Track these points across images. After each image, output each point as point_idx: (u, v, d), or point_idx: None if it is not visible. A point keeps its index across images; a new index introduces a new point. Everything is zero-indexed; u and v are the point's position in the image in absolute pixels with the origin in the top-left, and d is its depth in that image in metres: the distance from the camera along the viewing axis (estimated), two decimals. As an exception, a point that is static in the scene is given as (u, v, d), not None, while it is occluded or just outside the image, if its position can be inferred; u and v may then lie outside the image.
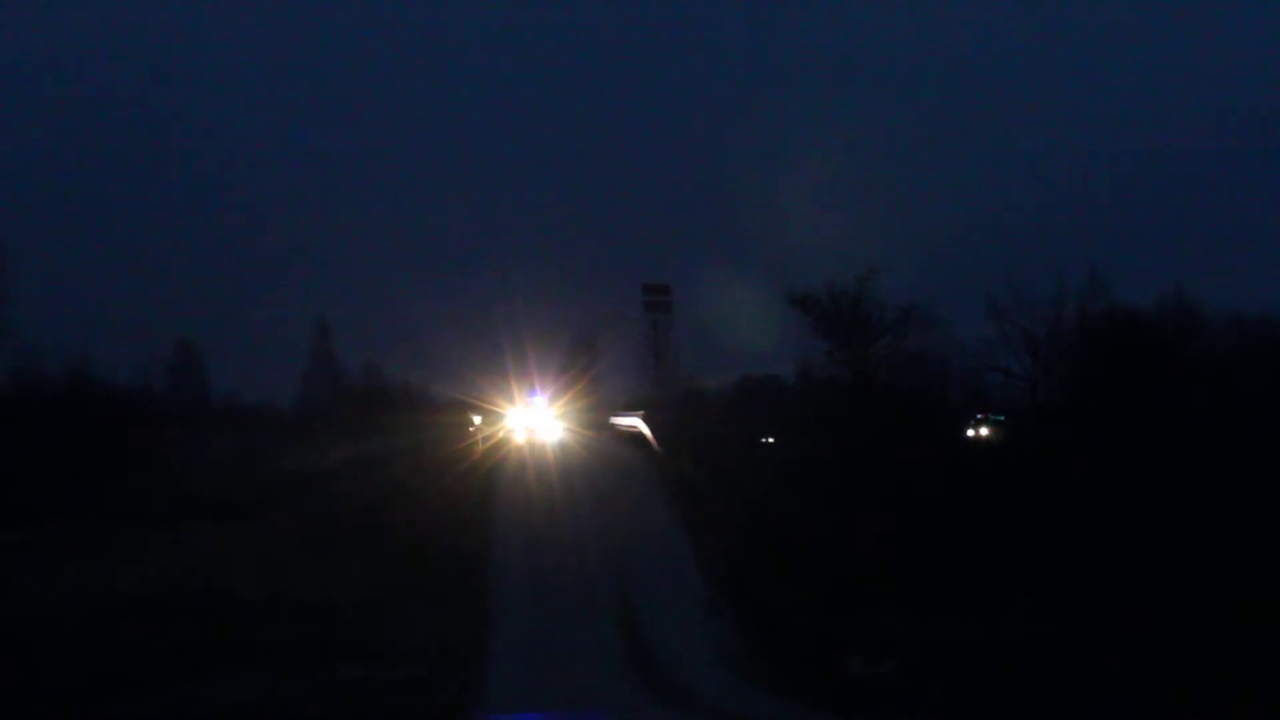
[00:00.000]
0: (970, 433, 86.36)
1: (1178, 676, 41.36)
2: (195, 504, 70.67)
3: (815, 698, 45.62)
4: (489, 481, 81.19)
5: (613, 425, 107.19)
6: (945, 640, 51.08)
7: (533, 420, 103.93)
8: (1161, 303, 77.30)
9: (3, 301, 73.97)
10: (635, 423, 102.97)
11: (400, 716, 43.63)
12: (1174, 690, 39.67)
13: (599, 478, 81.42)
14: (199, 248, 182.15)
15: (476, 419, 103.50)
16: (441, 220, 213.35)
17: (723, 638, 55.41)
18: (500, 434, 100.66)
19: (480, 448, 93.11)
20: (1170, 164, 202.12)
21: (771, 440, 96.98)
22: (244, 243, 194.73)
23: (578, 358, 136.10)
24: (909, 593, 56.28)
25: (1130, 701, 38.66)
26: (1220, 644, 44.16)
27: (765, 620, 56.66)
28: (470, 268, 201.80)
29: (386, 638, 53.39)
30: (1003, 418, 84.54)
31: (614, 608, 58.21)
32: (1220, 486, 53.07)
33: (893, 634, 52.28)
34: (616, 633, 55.19)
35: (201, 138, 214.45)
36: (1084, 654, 47.06)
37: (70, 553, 62.82)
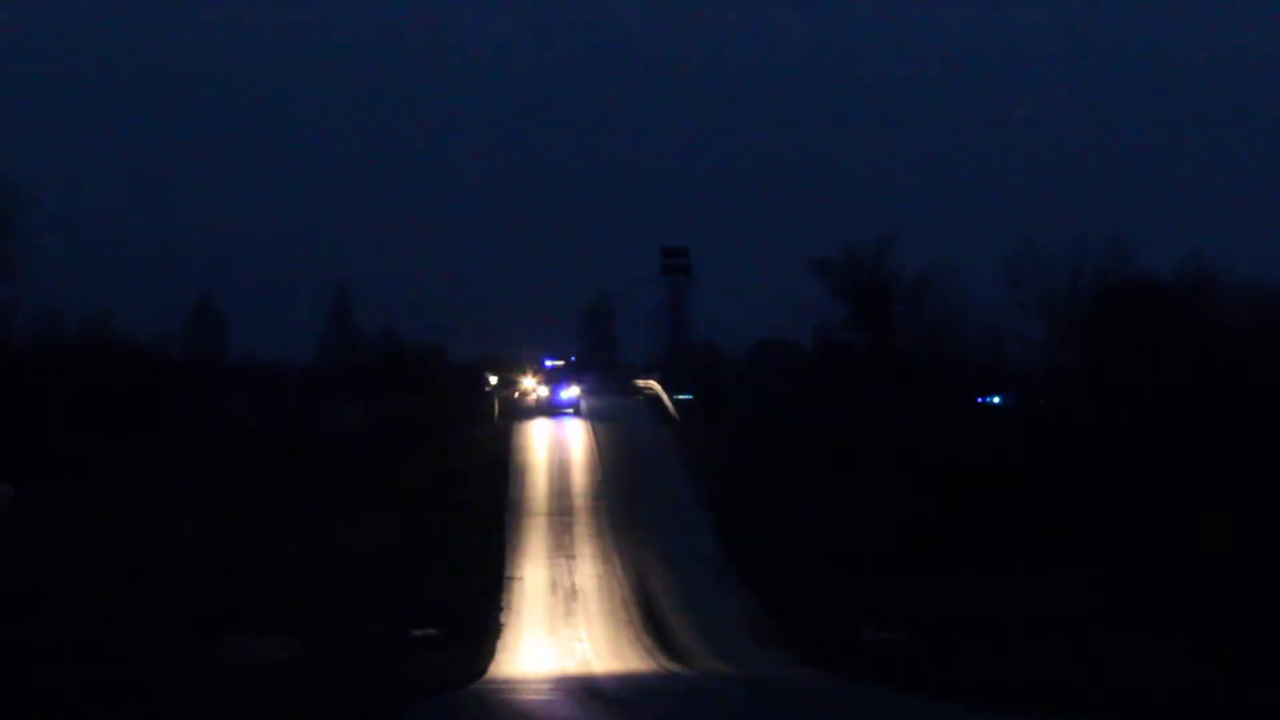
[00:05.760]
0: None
1: (1191, 652, 41.28)
2: (214, 462, 70.92)
3: (828, 662, 45.66)
4: (509, 444, 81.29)
5: (632, 387, 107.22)
6: (956, 610, 51.13)
7: (550, 383, 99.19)
8: (1181, 271, 76.81)
9: (22, 258, 74.16)
10: (652, 384, 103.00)
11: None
12: (1188, 665, 39.59)
13: (617, 442, 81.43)
14: (219, 206, 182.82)
15: (493, 380, 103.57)
16: (459, 183, 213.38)
17: (737, 604, 55.52)
18: (516, 395, 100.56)
19: (498, 408, 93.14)
20: (1193, 130, 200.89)
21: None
22: (265, 201, 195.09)
23: (596, 321, 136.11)
24: (920, 563, 56.29)
25: (1144, 677, 38.61)
26: (1237, 624, 44.04)
27: (776, 585, 56.77)
28: (489, 232, 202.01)
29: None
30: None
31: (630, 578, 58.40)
32: (1236, 461, 52.78)
33: (904, 603, 52.33)
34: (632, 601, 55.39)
35: (225, 97, 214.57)
36: (1095, 628, 47.06)
37: (88, 509, 63.10)
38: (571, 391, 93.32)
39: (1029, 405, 79.99)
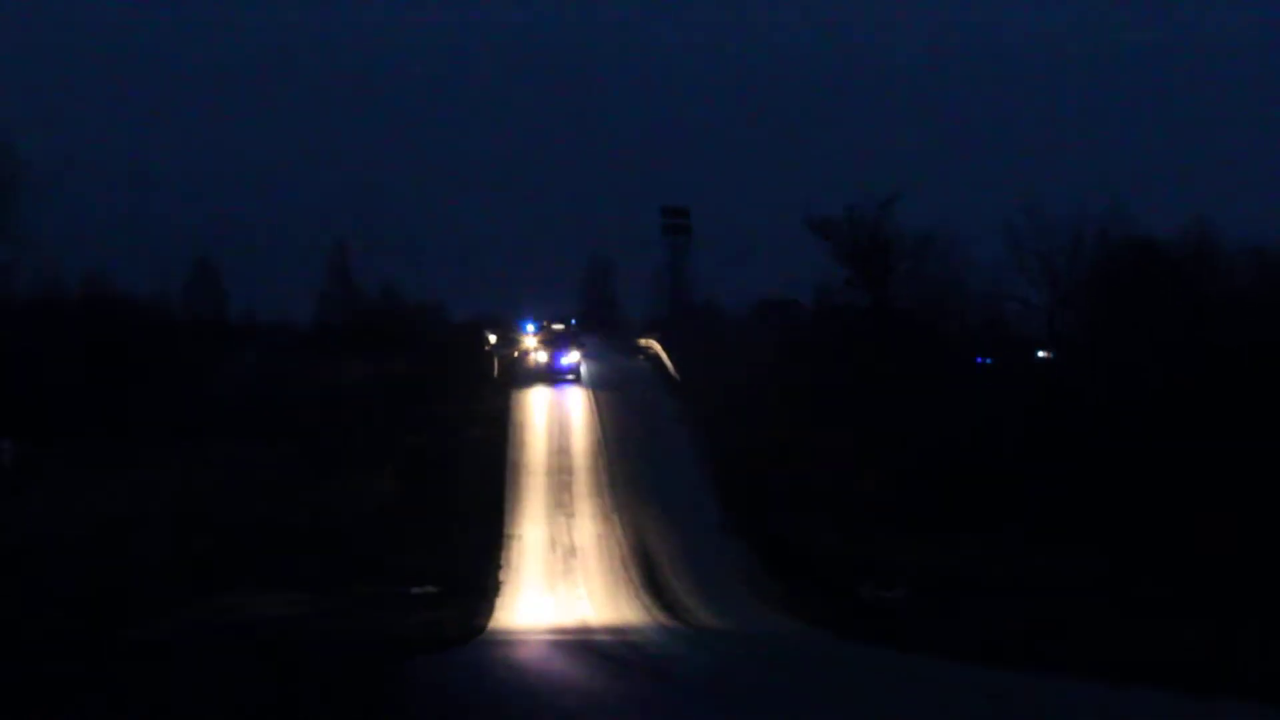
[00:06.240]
0: None
1: (1189, 622, 41.32)
2: (214, 422, 70.98)
3: (827, 619, 45.86)
4: (508, 403, 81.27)
5: (633, 346, 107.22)
6: (952, 571, 51.30)
7: (550, 347, 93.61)
8: (1183, 234, 76.57)
9: (23, 215, 73.97)
10: (652, 344, 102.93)
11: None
12: (1183, 627, 39.73)
13: (617, 401, 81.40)
14: (217, 164, 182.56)
15: (492, 339, 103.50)
16: (459, 142, 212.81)
17: (737, 562, 55.64)
18: (516, 354, 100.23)
19: (497, 367, 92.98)
20: (1196, 94, 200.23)
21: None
22: (262, 159, 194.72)
23: (597, 280, 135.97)
24: (917, 524, 56.38)
25: (1137, 637, 38.77)
26: (1233, 592, 44.07)
27: (776, 545, 56.90)
28: (489, 191, 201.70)
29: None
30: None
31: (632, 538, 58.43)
32: (1235, 431, 52.68)
33: (904, 564, 52.48)
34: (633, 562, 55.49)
35: (218, 52, 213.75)
36: (1093, 591, 47.17)
37: (89, 468, 63.19)
38: (572, 357, 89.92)
39: (1022, 366, 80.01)
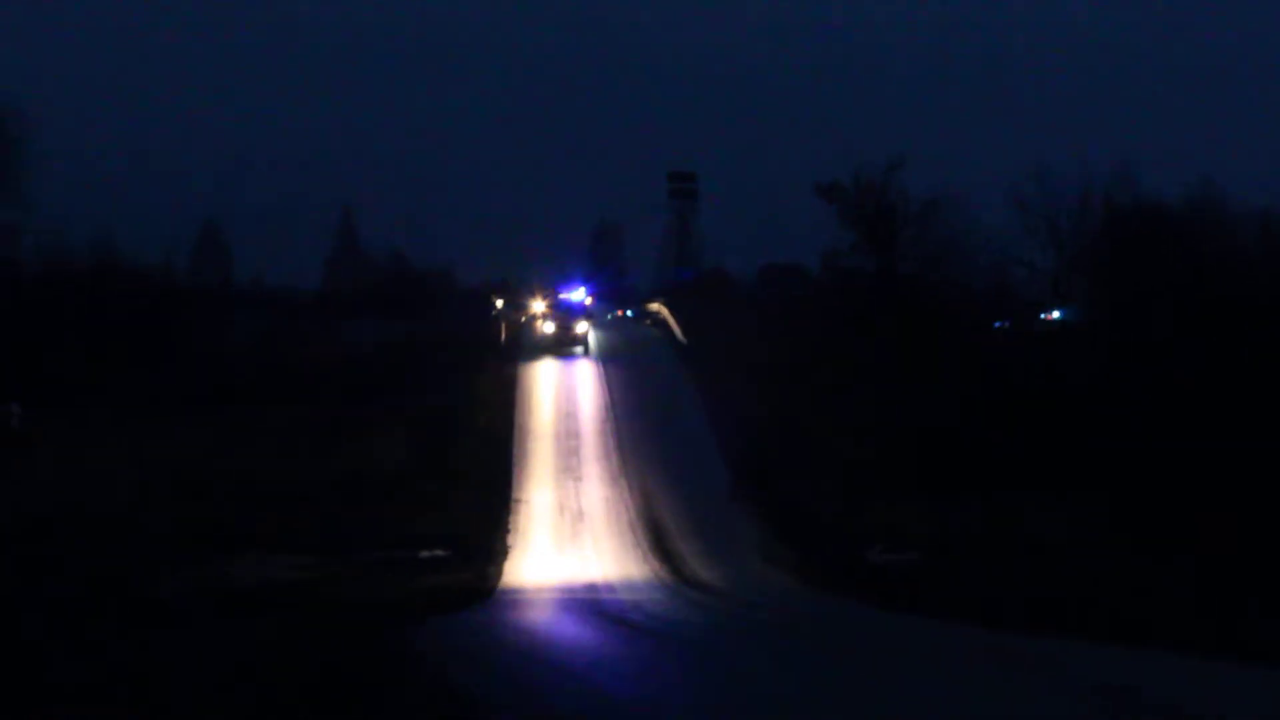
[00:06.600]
0: None
1: (1196, 577, 41.42)
2: (223, 387, 71.04)
3: (836, 584, 46.03)
4: (516, 367, 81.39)
5: (642, 311, 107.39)
6: (961, 532, 51.38)
7: (558, 318, 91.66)
8: (1189, 197, 76.46)
9: (30, 177, 73.97)
10: (660, 309, 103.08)
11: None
12: (1191, 587, 39.83)
13: (625, 366, 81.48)
14: (224, 128, 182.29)
15: (499, 303, 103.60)
16: (467, 107, 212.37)
17: (745, 526, 55.82)
18: (524, 319, 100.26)
19: (505, 332, 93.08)
20: (1202, 56, 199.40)
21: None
22: (270, 125, 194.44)
23: (604, 245, 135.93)
24: (925, 487, 56.44)
25: (1148, 595, 38.86)
26: (1241, 556, 44.11)
27: (785, 510, 57.05)
28: (496, 156, 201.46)
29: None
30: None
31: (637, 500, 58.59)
32: (1240, 393, 52.58)
33: (910, 528, 52.60)
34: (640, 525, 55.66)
35: (225, 17, 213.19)
36: (1099, 552, 47.26)
37: (94, 433, 63.23)
38: (580, 327, 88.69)
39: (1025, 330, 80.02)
